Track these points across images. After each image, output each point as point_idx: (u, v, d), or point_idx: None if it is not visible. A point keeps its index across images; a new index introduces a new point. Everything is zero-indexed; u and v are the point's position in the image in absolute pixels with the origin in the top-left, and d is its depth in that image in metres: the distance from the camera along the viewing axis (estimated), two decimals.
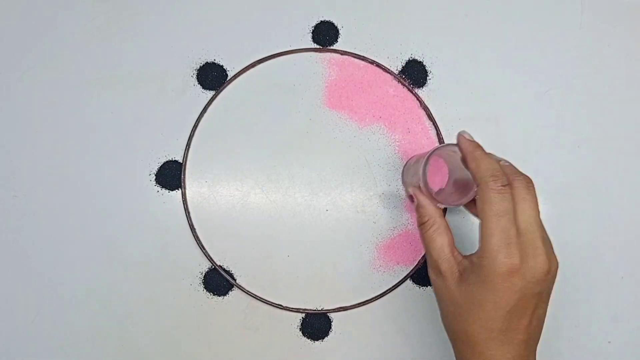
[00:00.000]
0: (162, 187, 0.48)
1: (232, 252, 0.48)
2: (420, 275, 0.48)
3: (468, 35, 0.50)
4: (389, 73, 0.49)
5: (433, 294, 0.48)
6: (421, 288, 0.49)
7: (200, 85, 0.49)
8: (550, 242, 0.36)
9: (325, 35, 0.49)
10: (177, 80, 0.49)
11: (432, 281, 0.38)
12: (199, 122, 0.48)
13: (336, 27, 0.50)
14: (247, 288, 0.47)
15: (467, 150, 0.37)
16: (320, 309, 0.48)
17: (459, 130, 0.39)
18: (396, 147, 0.49)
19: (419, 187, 0.40)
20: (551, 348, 0.49)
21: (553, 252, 0.36)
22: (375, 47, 0.50)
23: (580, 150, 0.50)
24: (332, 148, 0.49)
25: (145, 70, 0.49)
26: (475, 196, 0.38)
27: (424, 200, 0.39)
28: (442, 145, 0.40)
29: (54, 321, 0.47)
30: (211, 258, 0.47)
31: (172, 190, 0.48)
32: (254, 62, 0.49)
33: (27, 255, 0.47)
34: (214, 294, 0.47)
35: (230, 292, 0.48)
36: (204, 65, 0.49)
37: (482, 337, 0.34)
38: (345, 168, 0.49)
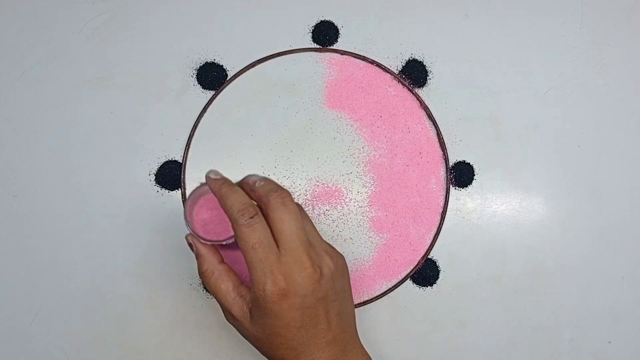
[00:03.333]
0: (162, 187, 0.48)
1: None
2: (421, 275, 0.48)
3: (468, 35, 0.50)
4: (389, 73, 0.49)
5: (433, 294, 0.48)
6: (421, 288, 0.49)
7: (200, 85, 0.49)
8: (321, 244, 0.38)
9: (325, 35, 0.49)
10: (177, 80, 0.49)
11: (231, 323, 0.39)
12: (198, 122, 0.48)
13: (336, 27, 0.50)
14: None
15: (214, 189, 0.38)
16: None
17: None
18: (396, 148, 0.49)
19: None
20: (551, 348, 0.49)
21: (326, 254, 0.37)
22: (375, 47, 0.50)
23: (580, 150, 0.50)
24: (332, 148, 0.49)
25: (145, 70, 0.49)
26: None
27: (202, 249, 0.39)
28: (199, 186, 0.40)
29: (54, 321, 0.47)
30: None
31: (172, 190, 0.48)
32: (254, 62, 0.49)
33: (26, 255, 0.47)
34: None
35: None
36: (204, 65, 0.49)
37: (291, 356, 0.37)
38: (345, 168, 0.49)
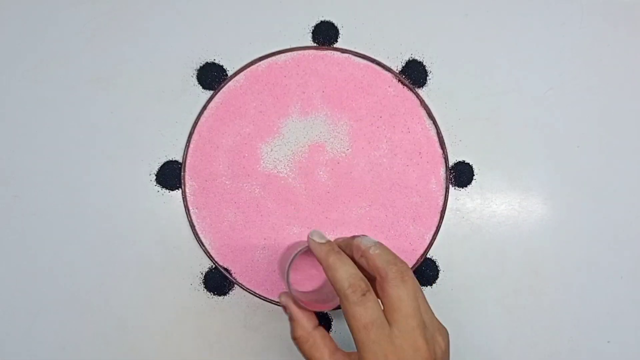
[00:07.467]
0: (163, 187, 0.48)
1: (233, 252, 0.48)
2: (420, 275, 0.48)
3: (468, 35, 0.50)
4: (389, 72, 0.49)
5: (433, 294, 0.48)
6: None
7: (200, 85, 0.49)
8: (432, 322, 0.35)
9: (325, 35, 0.49)
10: (177, 80, 0.49)
11: None
12: (198, 121, 0.48)
13: (336, 27, 0.50)
14: (248, 287, 0.47)
15: (320, 257, 0.35)
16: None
17: (311, 231, 0.37)
18: (396, 148, 0.49)
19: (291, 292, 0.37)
20: (551, 348, 0.49)
21: (438, 333, 0.35)
22: (375, 47, 0.50)
23: (580, 150, 0.50)
24: (333, 148, 0.49)
25: (145, 70, 0.49)
26: None
27: (297, 314, 0.37)
28: (305, 246, 0.38)
29: (54, 321, 0.47)
30: (212, 257, 0.47)
31: (172, 190, 0.48)
32: (253, 60, 0.49)
33: (27, 255, 0.47)
34: (214, 294, 0.47)
35: (230, 292, 0.48)
36: (204, 65, 0.49)
37: None
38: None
